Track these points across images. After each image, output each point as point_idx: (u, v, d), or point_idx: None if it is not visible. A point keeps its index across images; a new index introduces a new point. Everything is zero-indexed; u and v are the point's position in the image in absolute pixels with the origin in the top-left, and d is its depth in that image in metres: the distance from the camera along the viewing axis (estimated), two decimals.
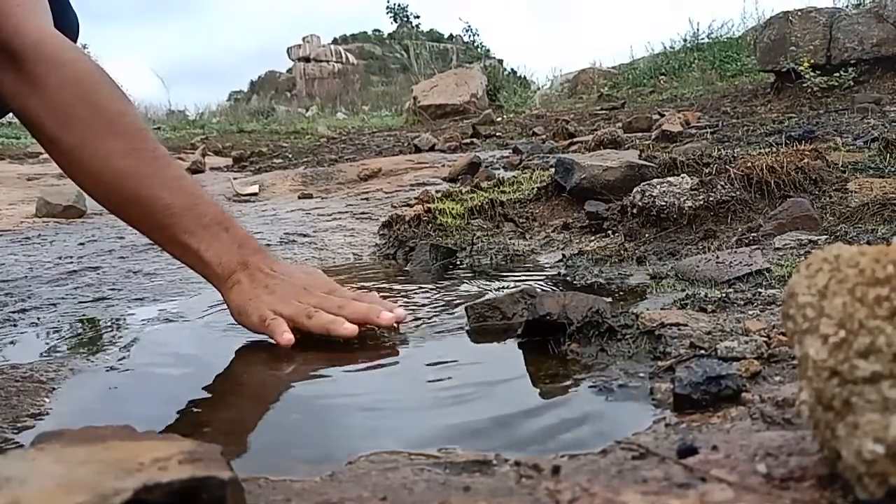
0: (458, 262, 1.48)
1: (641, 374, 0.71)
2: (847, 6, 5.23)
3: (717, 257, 1.15)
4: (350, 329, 0.90)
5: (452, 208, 1.83)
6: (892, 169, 1.64)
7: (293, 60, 25.52)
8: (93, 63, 0.97)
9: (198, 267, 0.98)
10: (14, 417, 0.70)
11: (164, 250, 1.00)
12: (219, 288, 0.98)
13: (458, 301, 1.11)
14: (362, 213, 2.26)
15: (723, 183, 1.52)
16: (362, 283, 1.32)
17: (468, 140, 4.41)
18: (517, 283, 1.23)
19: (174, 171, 0.98)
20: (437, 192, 2.19)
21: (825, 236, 1.27)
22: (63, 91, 0.92)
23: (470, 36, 22.12)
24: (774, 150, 1.78)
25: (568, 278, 1.26)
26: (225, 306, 0.98)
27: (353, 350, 0.89)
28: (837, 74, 4.05)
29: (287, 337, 0.90)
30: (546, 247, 1.58)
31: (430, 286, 1.26)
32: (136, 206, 0.95)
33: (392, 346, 0.90)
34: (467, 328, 0.93)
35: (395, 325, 0.94)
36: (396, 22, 30.34)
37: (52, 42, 0.94)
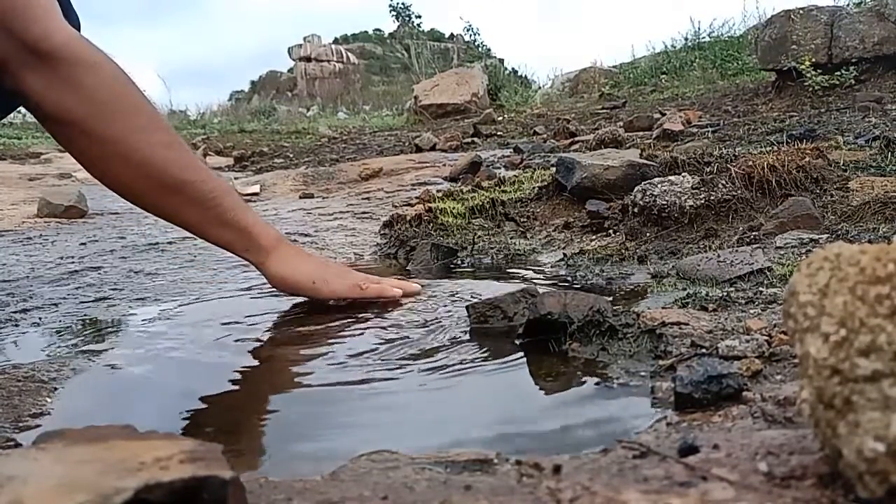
0: (459, 262, 1.48)
1: (642, 373, 0.71)
2: (848, 5, 5.22)
3: (719, 256, 1.15)
4: (395, 293, 1.09)
5: (453, 208, 1.83)
6: (894, 168, 1.63)
7: (294, 60, 25.50)
8: (117, 63, 1.02)
9: (241, 242, 1.07)
10: (16, 417, 0.70)
11: (201, 233, 1.08)
12: (262, 259, 1.08)
13: (459, 300, 1.10)
14: (363, 212, 2.26)
15: (724, 182, 1.52)
16: None
17: (469, 139, 4.41)
18: (518, 283, 1.23)
19: (203, 162, 1.13)
20: (438, 191, 2.18)
21: (826, 235, 1.27)
22: (104, 89, 0.98)
23: (471, 35, 22.12)
24: (776, 148, 1.78)
25: (569, 277, 1.26)
26: (220, 306, 1.00)
27: (355, 349, 0.89)
28: (839, 73, 4.05)
29: (397, 291, 1.09)
30: (547, 246, 1.58)
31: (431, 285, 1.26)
32: (182, 191, 1.03)
33: (393, 345, 0.90)
34: (468, 327, 0.93)
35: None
36: (399, 21, 30.33)
37: (81, 43, 0.99)
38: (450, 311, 1.04)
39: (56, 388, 0.79)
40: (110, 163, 1.01)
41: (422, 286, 1.16)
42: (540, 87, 9.01)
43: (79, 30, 1.21)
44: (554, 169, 1.90)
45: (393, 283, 1.13)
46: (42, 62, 0.95)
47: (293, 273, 1.08)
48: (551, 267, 1.37)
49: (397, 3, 30.43)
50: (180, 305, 1.19)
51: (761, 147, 2.13)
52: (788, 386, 0.61)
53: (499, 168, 2.87)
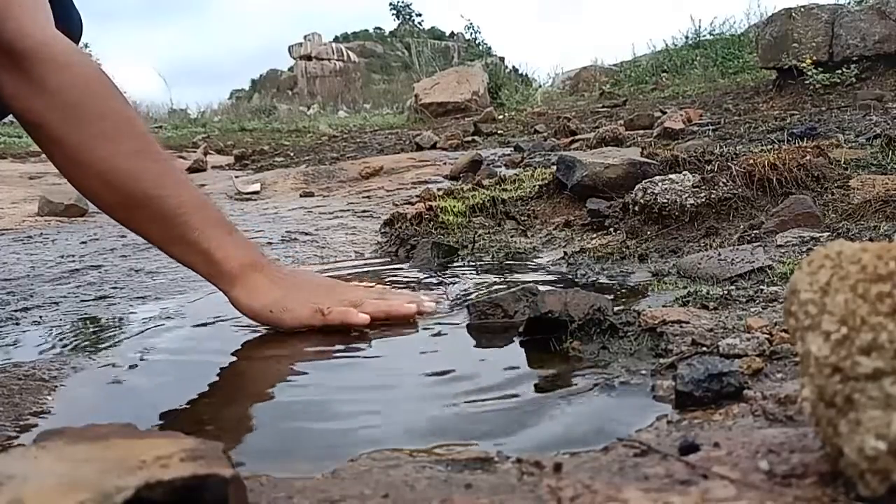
0: (460, 260, 1.48)
1: (643, 372, 0.71)
2: (849, 3, 5.21)
3: (719, 254, 1.15)
4: (409, 310, 0.98)
5: (454, 206, 1.83)
6: (894, 166, 1.63)
7: (295, 59, 25.47)
8: (97, 66, 0.98)
9: (202, 266, 0.98)
10: (16, 416, 0.70)
11: (166, 251, 1.00)
12: (226, 287, 0.98)
13: (459, 299, 1.10)
14: (364, 211, 2.26)
15: (725, 180, 1.52)
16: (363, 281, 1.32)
17: (470, 138, 4.41)
18: (519, 281, 1.23)
19: (179, 174, 1.00)
20: (438, 189, 2.18)
21: (827, 233, 1.27)
22: (71, 92, 0.92)
23: (471, 34, 22.08)
24: (776, 147, 1.78)
25: (569, 276, 1.26)
26: (221, 304, 1.00)
27: (356, 348, 0.89)
28: (840, 71, 4.04)
29: (363, 317, 0.95)
30: (547, 244, 1.58)
31: (431, 284, 1.26)
32: (145, 206, 0.95)
33: (395, 344, 0.90)
34: (469, 326, 0.93)
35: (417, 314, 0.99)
36: (399, 19, 30.30)
37: (56, 44, 0.94)
38: (450, 309, 1.04)
39: (57, 387, 0.79)
40: (76, 170, 0.95)
41: (437, 296, 1.11)
42: (540, 86, 8.99)
43: (81, 28, 1.20)
44: (554, 167, 1.90)
45: (407, 299, 1.03)
46: (14, 62, 0.91)
47: (252, 304, 0.97)
48: (552, 265, 1.37)
49: (398, 2, 30.41)
50: (181, 304, 1.19)
51: (762, 145, 2.13)
52: (789, 384, 0.61)
53: (499, 166, 2.87)
